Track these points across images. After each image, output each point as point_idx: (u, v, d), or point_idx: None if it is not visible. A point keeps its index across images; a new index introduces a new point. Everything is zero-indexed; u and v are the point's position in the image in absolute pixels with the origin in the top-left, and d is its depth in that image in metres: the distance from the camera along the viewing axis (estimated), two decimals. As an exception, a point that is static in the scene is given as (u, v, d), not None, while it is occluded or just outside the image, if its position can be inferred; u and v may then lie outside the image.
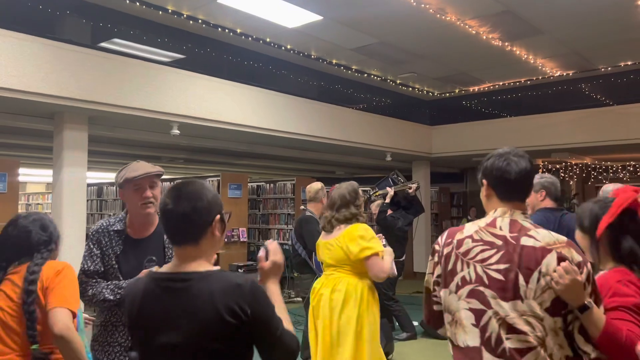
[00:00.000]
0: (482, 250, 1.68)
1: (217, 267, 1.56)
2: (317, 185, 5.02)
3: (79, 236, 6.21)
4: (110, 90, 6.13)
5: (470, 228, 1.76)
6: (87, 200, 12.03)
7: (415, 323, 7.01)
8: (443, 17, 7.04)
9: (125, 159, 10.66)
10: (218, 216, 1.55)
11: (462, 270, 1.70)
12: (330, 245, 3.28)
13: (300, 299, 5.28)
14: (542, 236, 1.64)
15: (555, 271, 1.57)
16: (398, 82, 10.44)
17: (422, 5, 6.70)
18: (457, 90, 11.15)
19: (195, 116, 6.95)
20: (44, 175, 13.99)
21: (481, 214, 1.85)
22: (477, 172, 1.88)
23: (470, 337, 1.65)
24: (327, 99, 9.13)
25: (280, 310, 1.56)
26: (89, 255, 2.29)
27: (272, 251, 1.69)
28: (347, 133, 9.12)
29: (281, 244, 10.16)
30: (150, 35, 7.75)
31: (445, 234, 1.83)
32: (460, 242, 1.73)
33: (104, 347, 2.24)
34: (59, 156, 6.22)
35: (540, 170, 11.53)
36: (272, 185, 10.94)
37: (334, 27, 7.48)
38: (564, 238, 1.66)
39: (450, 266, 1.73)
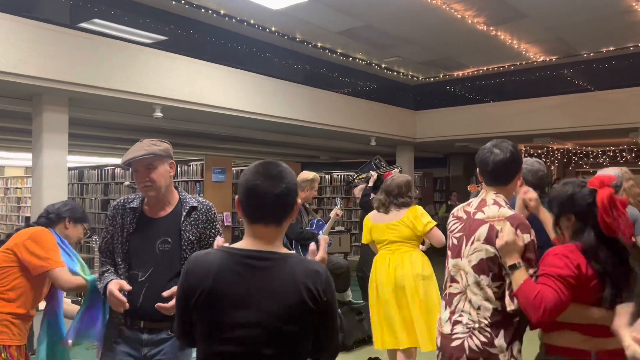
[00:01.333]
0: (454, 224, 2.26)
1: (292, 251, 1.57)
2: (308, 175, 4.99)
3: (60, 220, 6.11)
4: (91, 72, 6.00)
5: (457, 208, 2.32)
6: (68, 184, 11.85)
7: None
8: (429, 0, 6.99)
9: (106, 142, 10.51)
10: (299, 200, 1.59)
11: (448, 237, 2.30)
12: (394, 225, 3.88)
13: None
14: (489, 211, 2.11)
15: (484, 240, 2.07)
16: (383, 66, 10.40)
17: (408, -12, 6.66)
18: (441, 75, 11.15)
19: (178, 99, 6.84)
20: (23, 158, 13.72)
21: (463, 198, 2.19)
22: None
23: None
24: (311, 83, 9.06)
25: None
26: (105, 231, 2.30)
27: (323, 247, 1.71)
28: (331, 117, 9.08)
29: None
30: (131, 16, 7.58)
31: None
32: (449, 221, 2.33)
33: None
34: (39, 139, 6.08)
35: (524, 155, 11.66)
36: (256, 169, 10.86)
37: (320, 9, 7.40)
38: (508, 213, 2.07)
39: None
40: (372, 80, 11.12)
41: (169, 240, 2.20)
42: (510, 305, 1.99)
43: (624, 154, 11.26)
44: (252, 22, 7.99)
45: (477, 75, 10.90)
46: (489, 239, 2.05)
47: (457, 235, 2.20)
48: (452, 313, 2.14)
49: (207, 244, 2.25)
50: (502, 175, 2.16)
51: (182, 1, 7.16)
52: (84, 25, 7.16)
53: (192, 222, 2.25)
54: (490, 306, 2.04)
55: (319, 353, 1.56)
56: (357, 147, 11.53)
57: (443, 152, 13.74)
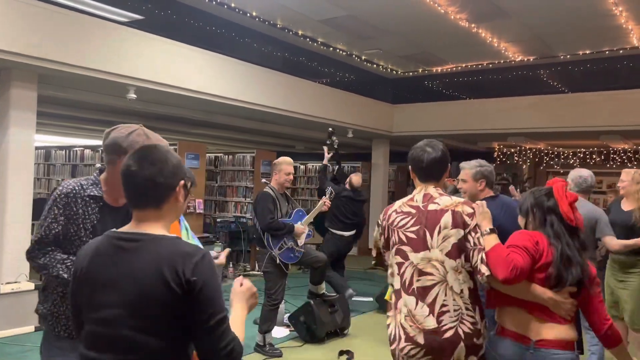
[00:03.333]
0: (402, 219, 2.30)
1: (172, 235, 1.52)
2: (283, 158, 4.93)
3: (26, 201, 5.89)
4: (62, 48, 5.75)
5: (396, 204, 2.39)
6: (34, 164, 11.47)
7: (370, 299, 7.09)
8: (413, -7, 6.96)
9: (76, 122, 10.18)
10: (182, 182, 1.53)
11: (392, 236, 2.33)
12: None
13: (260, 272, 5.23)
14: (442, 201, 2.26)
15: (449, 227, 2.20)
16: (363, 58, 10.34)
17: (394, -20, 6.59)
18: (420, 70, 11.16)
19: (154, 80, 6.64)
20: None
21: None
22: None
23: (396, 282, 2.28)
24: (290, 71, 8.94)
25: (235, 324, 1.51)
26: (52, 221, 2.00)
27: (247, 282, 1.66)
28: (309, 107, 8.99)
29: (238, 217, 10.00)
30: (107, -8, 7.31)
31: (383, 212, 2.44)
32: (389, 216, 2.36)
33: (60, 321, 2.04)
34: (5, 116, 5.81)
35: (498, 154, 11.80)
36: (231, 157, 10.72)
37: (302, -4, 7.28)
38: (460, 199, 2.29)
39: (386, 234, 2.37)
40: (351, 72, 11.05)
41: None
42: (486, 271, 2.11)
43: (594, 156, 11.52)
44: (232, 5, 7.80)
45: (456, 71, 10.95)
46: (456, 223, 2.20)
47: (414, 229, 2.26)
48: (432, 305, 2.16)
49: None
50: (436, 171, 2.33)
51: (161, -20, 6.93)
52: (57, -1, 6.86)
53: None
54: (468, 287, 2.19)
55: (204, 353, 1.44)
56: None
57: (418, 146, 13.79)
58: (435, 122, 10.56)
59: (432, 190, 2.31)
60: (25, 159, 5.96)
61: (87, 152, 10.62)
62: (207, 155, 10.39)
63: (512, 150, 12.02)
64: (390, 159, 12.15)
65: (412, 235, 2.24)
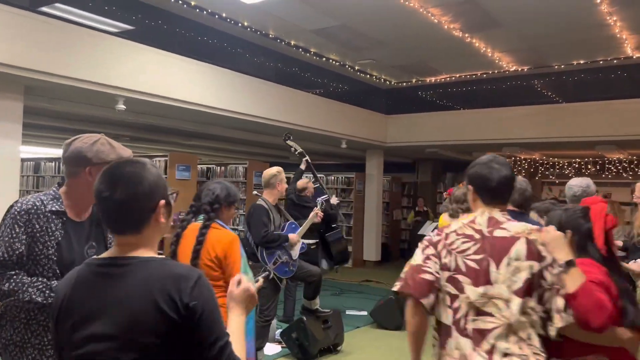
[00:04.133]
0: (463, 242, 1.92)
1: (162, 255, 1.39)
2: (272, 170, 4.78)
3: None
4: (50, 58, 5.64)
5: (456, 224, 2.00)
6: (23, 177, 11.28)
7: (365, 312, 6.95)
8: (407, 2, 6.88)
9: (65, 134, 10.02)
10: (162, 201, 1.36)
11: (445, 257, 1.93)
12: None
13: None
14: (512, 227, 1.89)
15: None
16: (356, 68, 10.27)
17: (387, -11, 6.52)
18: (414, 80, 11.10)
19: (144, 91, 6.53)
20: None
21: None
22: (464, 176, 2.10)
23: (445, 316, 1.90)
24: (283, 81, 8.85)
25: (235, 338, 1.36)
26: (13, 241, 1.87)
27: (245, 281, 1.53)
28: (302, 117, 8.89)
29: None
30: (96, 2, 7.22)
31: (436, 231, 2.06)
32: (448, 235, 1.97)
33: (26, 350, 1.90)
34: (-11, 127, 5.68)
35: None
36: (223, 168, 10.59)
37: (295, 5, 7.19)
38: (532, 226, 1.91)
39: (437, 251, 1.96)
40: (345, 82, 10.98)
41: (94, 244, 2.04)
42: (559, 322, 1.77)
43: (589, 166, 11.47)
44: (223, 15, 7.72)
45: (449, 82, 10.89)
46: (531, 254, 1.82)
47: (476, 257, 1.86)
48: (491, 353, 1.79)
49: None
50: (506, 191, 1.98)
51: (151, -11, 6.84)
52: (45, 9, 6.75)
53: None
54: (538, 333, 1.82)
55: None
56: (327, 149, 11.38)
57: (412, 157, 13.73)
58: (430, 133, 10.49)
59: (497, 214, 1.94)
60: (11, 170, 5.82)
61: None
62: (199, 166, 10.25)
63: (507, 160, 11.96)
64: (385, 170, 12.07)
65: (473, 265, 1.86)
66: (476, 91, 10.93)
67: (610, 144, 9.50)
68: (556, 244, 1.86)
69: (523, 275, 1.80)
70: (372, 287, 9.15)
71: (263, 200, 4.73)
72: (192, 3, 7.30)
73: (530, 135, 9.57)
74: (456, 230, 1.95)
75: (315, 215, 5.10)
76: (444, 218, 5.13)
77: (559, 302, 1.79)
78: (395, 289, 2.00)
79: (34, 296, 1.85)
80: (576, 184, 3.90)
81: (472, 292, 1.84)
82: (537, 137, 9.54)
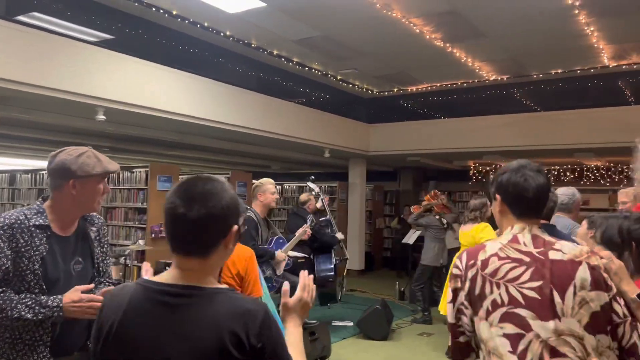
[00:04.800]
0: (512, 269, 1.57)
1: (225, 285, 1.28)
2: (265, 179, 4.68)
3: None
4: (26, 68, 5.50)
5: (493, 246, 1.64)
6: (-3, 189, 11.02)
7: (350, 323, 6.90)
8: (389, 13, 6.92)
9: (42, 145, 9.82)
10: (236, 226, 1.27)
11: (491, 292, 1.57)
12: (468, 234, 5.19)
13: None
14: (567, 249, 1.58)
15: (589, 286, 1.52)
16: (339, 77, 10.29)
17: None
18: (395, 90, 11.17)
19: (124, 101, 6.42)
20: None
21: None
22: (490, 185, 1.79)
23: None
24: (265, 91, 8.80)
25: (296, 351, 1.30)
26: None
27: (302, 286, 1.43)
28: (285, 127, 8.85)
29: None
30: (74, 11, 7.10)
31: (463, 255, 1.68)
32: (485, 263, 1.60)
33: None
34: (-36, 139, 5.51)
35: (472, 172, 11.84)
36: (204, 178, 10.48)
37: (277, 15, 7.18)
38: (586, 247, 1.63)
39: (477, 290, 1.59)
40: (327, 92, 10.99)
41: (80, 260, 1.99)
42: None
43: (568, 173, 11.64)
44: (205, 24, 7.66)
45: (430, 91, 10.98)
46: (597, 283, 1.53)
47: (533, 285, 1.53)
48: None
49: (106, 261, 2.11)
50: (543, 202, 1.67)
51: (132, -2, 6.75)
52: (22, 18, 6.62)
53: (97, 239, 2.09)
54: None
55: None
56: (310, 158, 11.35)
57: (394, 165, 13.79)
58: (411, 142, 10.54)
59: (539, 231, 1.64)
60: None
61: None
62: (180, 177, 10.12)
63: (488, 168, 12.07)
64: (367, 178, 12.08)
65: (533, 294, 1.52)
66: (457, 100, 11.04)
67: (588, 152, 9.66)
68: (623, 274, 1.59)
69: (592, 308, 1.51)
70: (357, 296, 9.11)
71: (252, 212, 4.65)
72: (174, 12, 7.23)
73: (510, 144, 9.68)
74: (497, 254, 1.61)
75: (304, 232, 5.04)
76: (463, 229, 5.41)
77: None
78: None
79: (23, 313, 1.80)
80: (562, 192, 3.94)
81: (541, 328, 1.50)
82: (516, 145, 9.65)
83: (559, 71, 9.41)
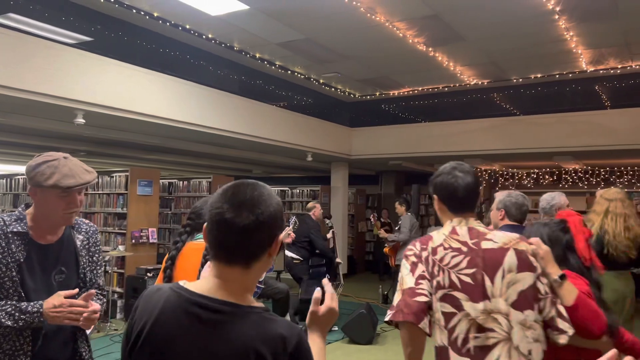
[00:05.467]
0: (453, 257, 1.82)
1: (261, 304, 1.22)
2: None
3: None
4: (2, 70, 5.35)
5: (438, 237, 1.89)
6: (-29, 194, 10.72)
7: (336, 328, 6.86)
8: (373, 16, 6.93)
9: (18, 149, 9.58)
10: (281, 235, 1.23)
11: (438, 275, 1.82)
12: None
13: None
14: (498, 237, 1.84)
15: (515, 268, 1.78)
16: (321, 81, 10.28)
17: (354, 3, 6.54)
18: (377, 93, 11.20)
19: (103, 104, 6.29)
20: None
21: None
22: (429, 185, 2.02)
23: (441, 338, 1.81)
24: (247, 94, 8.74)
25: None
26: None
27: (332, 295, 1.39)
28: (267, 131, 8.79)
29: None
30: (53, 12, 6.95)
31: (417, 242, 1.93)
32: (434, 250, 1.86)
33: None
34: (-64, 143, 5.34)
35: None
36: (185, 182, 10.36)
37: (260, 18, 7.13)
38: (516, 235, 1.87)
39: (429, 269, 1.85)
40: (309, 95, 10.96)
41: (63, 269, 1.91)
42: (569, 329, 1.76)
43: (547, 176, 11.80)
44: (187, 27, 7.57)
45: (412, 95, 11.05)
46: (522, 265, 1.77)
47: (469, 271, 1.78)
48: None
49: (95, 271, 2.03)
50: (473, 199, 1.92)
51: (112, 0, 6.63)
52: (-4, 19, 6.46)
53: (86, 247, 2.01)
54: (540, 348, 1.76)
55: None
56: (293, 162, 11.30)
57: (376, 169, 13.82)
58: (393, 145, 10.58)
59: (474, 223, 1.88)
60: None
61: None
62: (161, 181, 10.00)
63: (472, 168, 12.19)
64: (349, 182, 12.08)
65: (468, 280, 1.78)
66: (438, 104, 11.11)
67: (566, 155, 9.81)
68: (548, 258, 1.87)
69: (519, 287, 1.76)
70: (340, 300, 9.06)
71: None
72: (155, 14, 7.14)
73: (490, 147, 9.77)
74: (442, 244, 1.86)
75: (287, 235, 5.02)
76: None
77: (563, 312, 1.79)
78: (387, 318, 1.85)
79: (3, 320, 1.75)
80: (543, 198, 4.12)
81: (471, 308, 1.76)
82: (496, 149, 9.75)
83: (538, 75, 9.55)
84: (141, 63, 6.95)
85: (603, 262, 3.77)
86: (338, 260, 6.61)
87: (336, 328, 6.83)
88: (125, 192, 7.88)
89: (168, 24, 7.36)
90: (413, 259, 1.88)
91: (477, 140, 9.82)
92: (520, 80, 9.80)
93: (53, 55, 5.86)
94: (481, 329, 1.75)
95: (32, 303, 1.79)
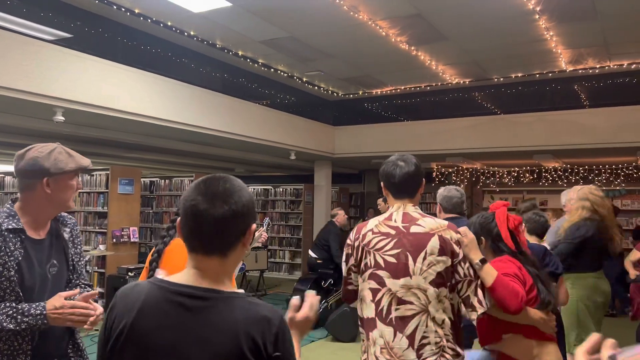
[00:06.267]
0: (380, 240, 2.10)
1: (241, 290, 1.28)
2: None
3: None
4: (-21, 66, 5.24)
5: (371, 223, 2.18)
6: (-54, 193, 10.47)
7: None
8: (356, 15, 6.94)
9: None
10: (254, 225, 1.28)
11: (365, 257, 2.12)
12: None
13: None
14: (427, 223, 2.09)
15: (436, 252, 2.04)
16: (304, 79, 10.26)
17: (337, 1, 6.54)
18: (360, 92, 11.23)
19: (83, 102, 6.20)
20: None
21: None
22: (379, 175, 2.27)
23: (368, 311, 2.09)
24: (230, 92, 8.68)
25: None
26: None
27: (311, 305, 1.48)
28: (250, 129, 8.75)
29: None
30: (31, 8, 6.82)
31: (354, 230, 2.23)
32: (364, 236, 2.15)
33: None
34: None
35: (435, 174, 12.01)
36: (167, 181, 10.27)
37: (243, 15, 7.09)
38: (445, 223, 2.12)
39: (359, 255, 2.15)
40: (292, 93, 10.94)
41: (56, 262, 1.92)
42: (479, 308, 2.03)
43: (527, 175, 11.94)
44: (169, 24, 7.49)
45: (395, 94, 11.09)
46: (444, 250, 2.03)
47: (393, 252, 2.06)
48: (412, 337, 1.99)
49: (80, 262, 2.05)
50: (410, 187, 2.18)
51: (92, -4, 6.53)
52: (-28, 14, 6.31)
53: (71, 240, 2.03)
54: (451, 318, 2.04)
55: None
56: (276, 160, 11.27)
57: (359, 168, 13.85)
58: (376, 144, 10.61)
59: (411, 209, 2.15)
60: None
61: (8, 179, 9.81)
62: (142, 179, 9.88)
63: (450, 170, 12.27)
64: (333, 181, 12.08)
65: (392, 260, 2.05)
66: (420, 103, 11.18)
67: (546, 153, 9.94)
68: (472, 245, 2.11)
69: (438, 268, 2.01)
70: (324, 299, 9.07)
71: None
72: (136, 10, 7.05)
73: (472, 146, 9.86)
74: (372, 229, 2.14)
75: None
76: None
77: (479, 293, 2.05)
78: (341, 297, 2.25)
79: (5, 324, 1.71)
80: (562, 193, 4.54)
81: (392, 284, 2.04)
82: (478, 147, 9.84)
83: (519, 75, 9.66)
84: (122, 60, 6.87)
85: (591, 261, 3.97)
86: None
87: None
88: (106, 190, 7.78)
89: (149, 20, 7.27)
90: (348, 250, 2.22)
91: (458, 139, 9.90)
92: (501, 79, 9.90)
93: (31, 52, 5.75)
94: (401, 301, 2.02)
95: (33, 305, 1.76)
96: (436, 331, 1.99)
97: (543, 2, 6.52)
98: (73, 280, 2.01)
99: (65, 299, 1.80)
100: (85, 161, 1.95)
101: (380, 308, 2.05)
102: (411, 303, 2.01)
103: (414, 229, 2.07)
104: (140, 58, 7.68)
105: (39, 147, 1.88)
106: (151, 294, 1.21)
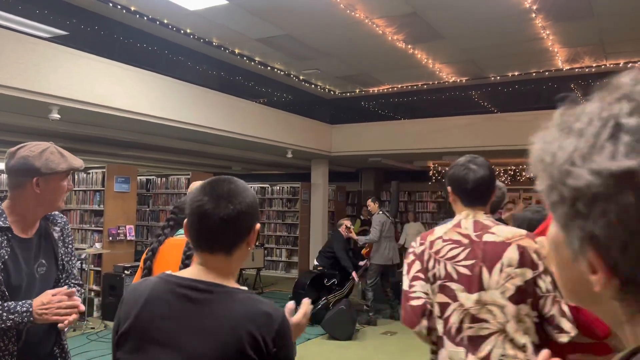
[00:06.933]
0: (452, 249, 1.86)
1: (244, 287, 1.32)
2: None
3: None
4: (-26, 63, 5.22)
5: (439, 230, 1.94)
6: (-59, 191, 10.41)
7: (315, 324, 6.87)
8: (352, 13, 6.93)
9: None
10: (258, 225, 1.35)
11: (434, 267, 1.87)
12: None
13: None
14: (501, 232, 1.85)
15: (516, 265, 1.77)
16: (301, 78, 10.25)
17: (333, -1, 6.54)
18: (357, 91, 11.22)
19: (80, 99, 6.18)
20: None
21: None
22: (445, 178, 2.08)
23: (439, 327, 1.85)
24: (227, 90, 8.66)
25: None
26: None
27: (305, 313, 1.53)
28: (247, 127, 8.73)
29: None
30: (26, 5, 6.79)
31: (418, 237, 2.01)
32: (432, 243, 1.91)
33: None
34: None
35: (432, 173, 12.03)
36: (163, 179, 10.26)
37: (240, 13, 7.08)
38: (522, 231, 1.87)
39: (424, 264, 1.90)
40: (290, 92, 10.93)
41: (44, 262, 1.91)
42: (571, 330, 1.72)
43: (523, 174, 11.97)
44: (165, 22, 7.47)
45: (392, 92, 11.09)
46: (523, 261, 1.77)
47: (467, 263, 1.81)
48: None
49: (71, 262, 2.04)
50: (484, 192, 1.94)
51: (88, -7, 6.51)
52: (-33, 11, 6.28)
53: (61, 239, 2.02)
54: (535, 342, 1.76)
55: None
56: (273, 158, 11.26)
57: (356, 166, 13.85)
58: (373, 142, 10.61)
59: (482, 216, 1.91)
60: None
61: (2, 177, 9.79)
62: (138, 178, 9.87)
63: (447, 168, 12.30)
64: (330, 179, 12.08)
65: (465, 271, 1.81)
66: (417, 101, 11.18)
67: (543, 152, 9.94)
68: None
69: (517, 282, 1.76)
70: (320, 297, 9.08)
71: None
72: (132, 8, 7.02)
73: (468, 144, 9.84)
74: (442, 237, 1.90)
75: None
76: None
77: (567, 313, 1.75)
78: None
79: (9, 323, 1.71)
80: None
81: (466, 299, 1.79)
82: (474, 146, 9.82)
83: (516, 73, 9.67)
84: (118, 58, 6.84)
85: None
86: (356, 278, 7.46)
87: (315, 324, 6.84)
88: (102, 188, 7.77)
89: (145, 18, 7.25)
90: (410, 257, 1.96)
91: (455, 138, 9.90)
92: (498, 78, 9.91)
93: (27, 49, 5.73)
94: (475, 319, 1.78)
95: (20, 302, 1.75)
96: (515, 355, 1.73)
97: (539, 1, 6.53)
98: (63, 280, 2.00)
99: (53, 296, 1.79)
100: (78, 162, 1.94)
101: (449, 326, 1.82)
102: (486, 321, 1.76)
103: (487, 237, 1.84)
104: (137, 56, 7.66)
105: (31, 145, 1.86)
106: (157, 287, 1.27)
